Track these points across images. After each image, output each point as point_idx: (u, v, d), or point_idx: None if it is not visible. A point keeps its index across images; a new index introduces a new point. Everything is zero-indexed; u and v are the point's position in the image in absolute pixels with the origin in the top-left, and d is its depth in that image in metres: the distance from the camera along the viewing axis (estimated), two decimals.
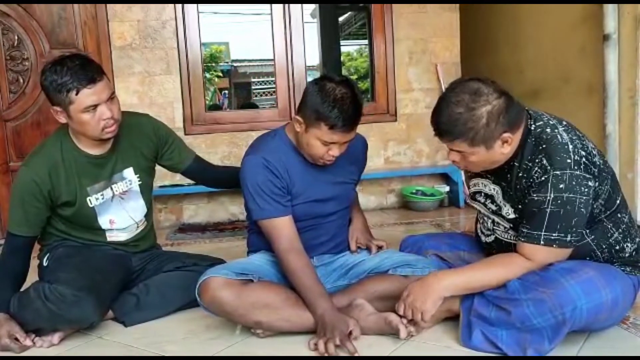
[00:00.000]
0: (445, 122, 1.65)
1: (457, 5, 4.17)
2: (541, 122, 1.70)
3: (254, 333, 1.89)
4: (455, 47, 4.19)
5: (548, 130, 1.67)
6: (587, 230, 1.70)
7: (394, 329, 1.76)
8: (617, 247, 1.73)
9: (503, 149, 1.66)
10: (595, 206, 1.67)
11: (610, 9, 2.89)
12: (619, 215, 1.73)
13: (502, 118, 1.61)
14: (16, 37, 3.74)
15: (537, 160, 1.64)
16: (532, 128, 1.69)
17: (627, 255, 1.74)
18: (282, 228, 1.87)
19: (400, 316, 1.77)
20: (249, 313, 1.81)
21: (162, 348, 1.88)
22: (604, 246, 1.72)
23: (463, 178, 4.08)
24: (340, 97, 1.78)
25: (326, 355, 1.69)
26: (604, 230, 1.71)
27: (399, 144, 4.21)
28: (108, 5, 3.78)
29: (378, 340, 1.81)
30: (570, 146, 1.62)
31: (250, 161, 1.90)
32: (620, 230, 1.73)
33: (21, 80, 3.79)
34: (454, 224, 3.65)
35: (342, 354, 1.69)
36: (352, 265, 2.06)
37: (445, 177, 4.23)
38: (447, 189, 4.18)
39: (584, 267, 1.62)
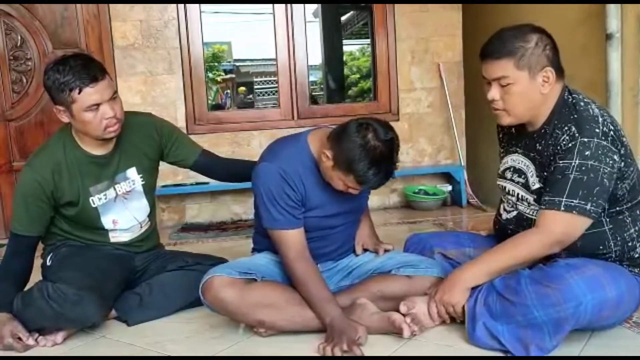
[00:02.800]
0: (497, 42, 1.72)
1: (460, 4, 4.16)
2: (576, 96, 1.76)
3: (256, 332, 1.89)
4: (458, 46, 4.18)
5: (582, 103, 1.73)
6: (607, 219, 1.71)
7: (397, 328, 1.76)
8: (630, 244, 1.73)
9: (543, 88, 1.71)
10: (620, 187, 1.69)
11: (612, 8, 2.89)
12: (638, 212, 1.75)
13: (548, 50, 1.70)
14: (19, 37, 3.75)
15: (565, 128, 1.68)
16: (569, 99, 1.75)
17: (637, 256, 1.74)
18: (292, 240, 1.84)
19: (404, 315, 1.78)
20: (252, 312, 1.81)
21: (165, 347, 1.88)
22: (618, 238, 1.73)
23: (465, 177, 4.08)
24: (380, 159, 1.69)
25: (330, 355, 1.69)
26: (622, 223, 1.73)
27: (401, 143, 4.16)
28: (110, 4, 3.79)
29: (381, 339, 1.81)
30: (600, 119, 1.67)
31: (266, 169, 1.83)
32: (637, 227, 1.74)
33: (24, 80, 3.80)
34: (457, 223, 3.65)
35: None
36: (355, 266, 2.06)
37: (447, 177, 4.23)
38: (450, 188, 4.18)
39: (589, 264, 1.63)
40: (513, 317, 1.63)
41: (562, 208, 1.63)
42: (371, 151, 1.68)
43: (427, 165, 4.26)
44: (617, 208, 1.72)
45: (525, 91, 1.71)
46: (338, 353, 1.67)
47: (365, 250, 2.10)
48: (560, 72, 1.74)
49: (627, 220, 1.73)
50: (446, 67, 4.15)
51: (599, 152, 1.61)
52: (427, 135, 4.23)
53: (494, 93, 1.75)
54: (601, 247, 1.73)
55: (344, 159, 1.71)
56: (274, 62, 4.19)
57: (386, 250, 2.06)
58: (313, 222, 1.90)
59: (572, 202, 1.62)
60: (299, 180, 1.83)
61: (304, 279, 1.81)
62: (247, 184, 1.95)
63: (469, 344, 1.73)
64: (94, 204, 2.08)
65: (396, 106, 4.19)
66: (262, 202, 1.84)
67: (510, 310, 1.63)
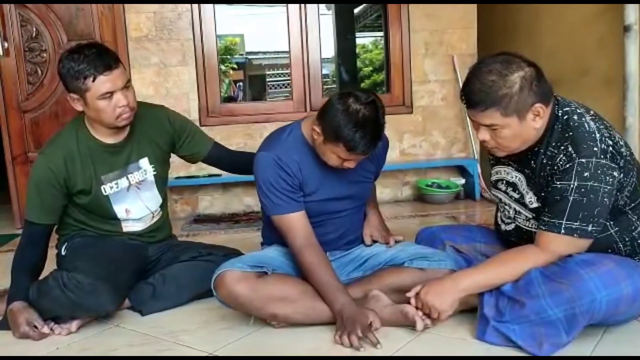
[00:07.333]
0: (478, 91, 1.62)
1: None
2: (568, 109, 1.68)
3: (269, 324, 1.90)
4: (472, 38, 4.14)
5: (575, 117, 1.65)
6: (612, 222, 1.68)
7: (410, 320, 1.76)
8: None
9: (535, 123, 1.64)
10: (620, 198, 1.65)
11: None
12: None
13: (534, 86, 1.60)
14: (34, 29, 3.77)
15: (562, 148, 1.63)
16: (559, 114, 1.68)
17: None
18: (296, 224, 1.86)
19: (417, 308, 1.77)
20: (265, 306, 1.82)
21: (178, 337, 1.90)
22: (627, 239, 1.70)
23: (479, 171, 4.06)
24: (363, 121, 1.71)
25: (349, 346, 1.69)
26: (628, 223, 1.70)
27: (414, 136, 4.18)
28: None
29: (393, 331, 1.81)
30: (597, 135, 1.61)
31: (262, 158, 1.88)
32: None
33: (39, 72, 3.82)
34: (470, 217, 3.63)
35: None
36: (367, 258, 2.05)
37: (461, 170, 4.21)
38: (463, 181, 4.16)
39: (603, 260, 1.60)
40: (526, 317, 1.61)
41: (563, 231, 1.60)
42: (354, 114, 1.71)
43: (441, 158, 4.23)
44: (620, 212, 1.68)
45: (517, 132, 1.64)
46: (355, 341, 1.68)
47: (374, 241, 2.10)
48: (549, 97, 1.66)
49: (633, 219, 1.70)
50: (460, 60, 4.11)
51: (598, 171, 1.56)
52: (440, 128, 4.20)
53: (484, 135, 1.69)
54: (610, 250, 1.71)
55: (330, 129, 1.74)
56: (287, 55, 4.18)
57: (396, 241, 2.06)
58: (314, 206, 1.91)
59: (573, 224, 1.59)
60: (295, 166, 1.86)
61: (312, 266, 1.82)
62: None
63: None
64: (105, 192, 2.09)
65: (409, 99, 4.16)
66: (261, 190, 1.88)
67: (522, 312, 1.62)
